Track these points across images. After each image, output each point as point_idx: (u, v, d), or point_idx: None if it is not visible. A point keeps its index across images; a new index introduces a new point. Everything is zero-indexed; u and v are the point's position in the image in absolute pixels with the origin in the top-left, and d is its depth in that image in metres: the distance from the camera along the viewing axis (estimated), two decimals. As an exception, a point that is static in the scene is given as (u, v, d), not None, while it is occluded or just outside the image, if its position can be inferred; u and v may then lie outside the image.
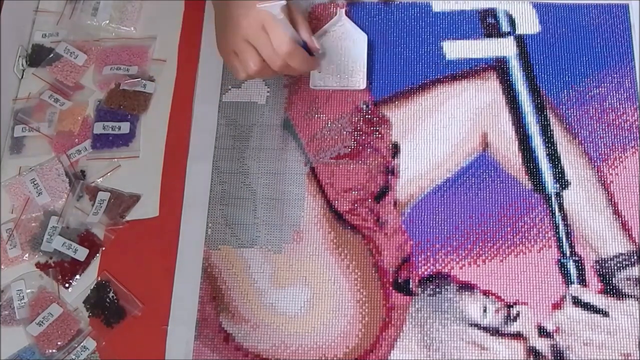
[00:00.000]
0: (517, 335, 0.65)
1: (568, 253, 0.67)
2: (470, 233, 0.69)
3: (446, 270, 0.68)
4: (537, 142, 0.71)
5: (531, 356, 0.64)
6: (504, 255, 0.68)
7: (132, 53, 0.79)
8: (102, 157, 0.75)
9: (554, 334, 0.65)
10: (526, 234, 0.68)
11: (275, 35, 0.65)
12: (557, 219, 0.68)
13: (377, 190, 0.71)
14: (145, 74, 0.78)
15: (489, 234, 0.69)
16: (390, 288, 0.67)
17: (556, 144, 0.71)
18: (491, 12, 0.77)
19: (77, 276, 0.71)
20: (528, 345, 0.65)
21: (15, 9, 0.79)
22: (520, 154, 0.71)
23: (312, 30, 0.71)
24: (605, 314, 0.65)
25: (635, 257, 0.66)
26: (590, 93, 0.73)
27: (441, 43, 0.76)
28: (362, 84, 0.74)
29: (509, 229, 0.69)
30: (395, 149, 0.73)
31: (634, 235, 0.67)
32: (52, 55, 0.79)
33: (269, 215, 0.71)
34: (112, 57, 0.79)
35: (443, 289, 0.67)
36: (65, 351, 0.67)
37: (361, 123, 0.74)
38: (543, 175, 0.70)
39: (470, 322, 0.66)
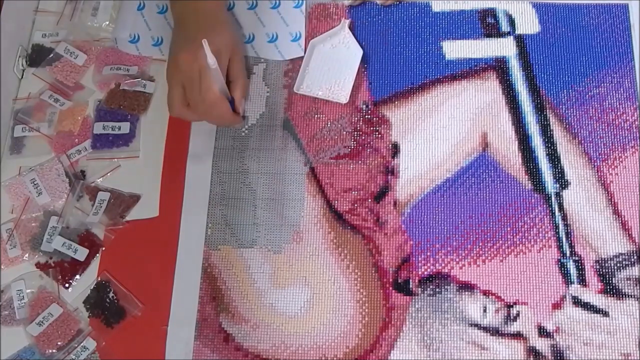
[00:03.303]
0: (517, 335, 0.65)
1: (568, 253, 0.67)
2: (470, 233, 0.69)
3: (446, 270, 0.68)
4: (537, 142, 0.71)
5: (531, 356, 0.64)
6: (504, 255, 0.68)
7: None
8: (102, 157, 0.75)
9: (554, 334, 0.65)
10: (526, 234, 0.68)
11: (204, 83, 0.66)
12: (557, 219, 0.68)
13: (377, 190, 0.71)
14: (145, 74, 0.78)
15: (489, 234, 0.69)
16: (390, 288, 0.67)
17: (556, 144, 0.71)
18: (491, 12, 0.77)
19: (77, 276, 0.71)
20: (528, 345, 0.65)
21: (15, 9, 0.79)
22: (520, 154, 0.71)
23: (310, 34, 0.71)
24: (605, 314, 0.65)
25: (635, 257, 0.66)
26: (590, 93, 0.73)
27: (441, 43, 0.76)
28: (345, 98, 0.74)
29: (509, 229, 0.69)
30: (395, 149, 0.73)
31: (634, 235, 0.67)
32: (52, 55, 0.79)
33: (269, 216, 0.71)
34: (112, 57, 0.79)
35: (443, 289, 0.67)
36: (65, 351, 0.67)
37: (361, 123, 0.74)
38: (543, 175, 0.70)
39: (470, 322, 0.66)
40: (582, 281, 0.66)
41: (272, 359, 0.66)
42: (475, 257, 0.68)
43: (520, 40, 0.76)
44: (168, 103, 0.69)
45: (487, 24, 0.77)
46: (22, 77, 0.80)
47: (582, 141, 0.71)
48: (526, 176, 0.70)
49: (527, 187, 0.70)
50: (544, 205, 0.69)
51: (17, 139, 0.77)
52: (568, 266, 0.67)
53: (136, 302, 0.69)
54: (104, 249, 0.71)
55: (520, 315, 0.65)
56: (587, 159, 0.71)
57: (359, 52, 0.75)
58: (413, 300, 0.67)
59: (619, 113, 0.72)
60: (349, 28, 0.77)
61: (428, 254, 0.68)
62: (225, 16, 0.74)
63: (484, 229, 0.69)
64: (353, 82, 0.74)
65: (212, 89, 0.66)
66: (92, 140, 0.75)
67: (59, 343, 0.68)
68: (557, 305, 0.66)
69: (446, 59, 0.76)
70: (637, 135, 0.71)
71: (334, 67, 0.75)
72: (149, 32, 0.80)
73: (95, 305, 0.69)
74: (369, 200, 0.71)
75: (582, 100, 0.73)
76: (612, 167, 0.70)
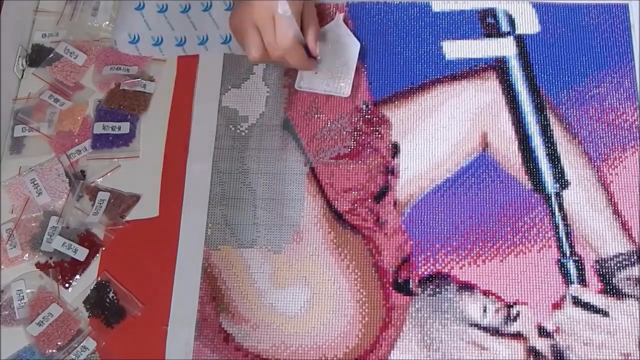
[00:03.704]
0: (517, 335, 0.65)
1: (568, 253, 0.67)
2: (470, 233, 0.69)
3: (446, 270, 0.68)
4: (537, 142, 0.71)
5: (531, 356, 0.64)
6: (504, 255, 0.68)
7: (132, 53, 0.79)
8: (102, 157, 0.75)
9: (554, 334, 0.65)
10: (526, 234, 0.68)
11: (280, 27, 0.67)
12: (557, 219, 0.68)
13: (377, 190, 0.71)
14: (145, 74, 0.78)
15: (489, 234, 0.69)
16: (390, 288, 0.67)
17: (556, 144, 0.71)
18: (491, 12, 0.77)
19: (77, 276, 0.71)
20: (528, 345, 0.65)
21: (15, 9, 0.79)
22: (520, 154, 0.71)
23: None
24: (605, 314, 0.65)
25: (635, 257, 0.66)
26: (590, 93, 0.73)
27: (441, 43, 0.76)
28: (347, 91, 0.74)
29: (509, 229, 0.69)
30: (395, 149, 0.73)
31: (634, 235, 0.67)
32: (52, 55, 0.79)
33: (269, 216, 0.71)
34: (112, 57, 0.79)
35: (443, 289, 0.67)
36: (65, 351, 0.67)
37: (361, 123, 0.74)
38: (543, 175, 0.70)
39: (470, 322, 0.66)
40: (582, 281, 0.66)
41: (272, 359, 0.66)
42: (475, 257, 0.68)
43: (520, 40, 0.76)
44: (246, 49, 0.70)
45: (487, 24, 0.77)
46: (22, 77, 0.80)
47: (582, 141, 0.71)
48: (526, 176, 0.70)
49: (527, 187, 0.70)
50: (544, 205, 0.69)
51: (17, 139, 0.77)
52: (568, 266, 0.67)
53: (136, 302, 0.69)
54: (104, 249, 0.71)
55: (520, 315, 0.65)
56: (587, 159, 0.71)
57: (356, 45, 0.75)
58: (413, 300, 0.67)
59: (619, 113, 0.72)
60: (344, 22, 0.77)
61: (428, 254, 0.68)
62: None
63: (484, 229, 0.69)
64: (353, 75, 0.74)
65: (287, 35, 0.67)
66: (92, 140, 0.75)
67: (59, 343, 0.68)
68: (557, 305, 0.66)
69: (446, 59, 0.76)
70: (637, 135, 0.71)
71: (332, 62, 0.75)
72: (148, 32, 0.80)
73: (95, 305, 0.69)
74: (369, 200, 0.71)
75: (582, 100, 0.73)
76: (612, 167, 0.70)
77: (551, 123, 0.72)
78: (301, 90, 0.75)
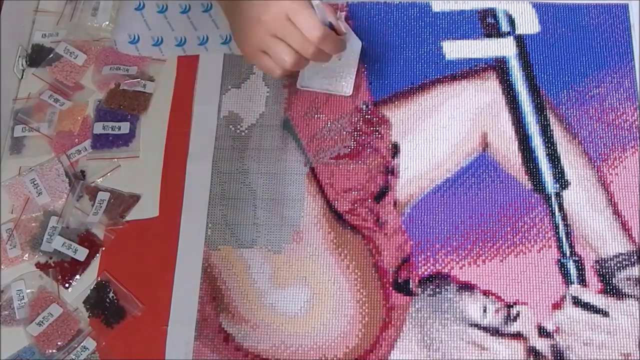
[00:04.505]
0: (517, 335, 0.65)
1: (568, 253, 0.67)
2: (470, 233, 0.69)
3: (446, 271, 0.68)
4: (537, 142, 0.71)
5: (531, 356, 0.64)
6: (504, 255, 0.68)
7: (132, 53, 0.79)
8: (102, 157, 0.75)
9: (554, 334, 0.65)
10: (526, 234, 0.68)
11: (304, 22, 0.62)
12: (557, 219, 0.68)
13: (377, 190, 0.71)
14: (145, 74, 0.78)
15: (489, 234, 0.69)
16: (390, 288, 0.67)
17: (556, 144, 0.71)
18: (491, 12, 0.77)
19: (77, 276, 0.71)
20: (528, 345, 0.65)
21: (15, 9, 0.79)
22: (520, 154, 0.71)
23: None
24: (605, 314, 0.65)
25: (635, 257, 0.66)
26: (590, 93, 0.73)
27: (441, 43, 0.76)
28: (349, 90, 0.74)
29: (509, 229, 0.69)
30: (395, 149, 0.73)
31: (634, 235, 0.67)
32: (52, 55, 0.79)
33: (269, 216, 0.71)
34: (112, 57, 0.79)
35: (443, 289, 0.67)
36: (65, 351, 0.67)
37: (361, 123, 0.74)
38: (543, 175, 0.70)
39: (470, 322, 0.66)
40: (582, 281, 0.66)
41: (272, 359, 0.66)
42: (475, 257, 0.68)
43: (520, 40, 0.76)
44: (278, 62, 0.64)
45: (487, 24, 0.77)
46: (22, 77, 0.80)
47: (582, 141, 0.71)
48: (526, 176, 0.70)
49: (527, 187, 0.70)
50: (544, 206, 0.69)
51: (17, 139, 0.77)
52: (568, 266, 0.67)
53: (136, 302, 0.69)
54: (104, 249, 0.71)
55: (520, 315, 0.65)
56: (587, 159, 0.71)
57: (357, 44, 0.75)
58: (413, 301, 0.67)
59: (619, 113, 0.72)
60: (345, 21, 0.77)
61: (428, 254, 0.68)
62: None
63: (484, 229, 0.69)
64: (355, 74, 0.74)
65: (316, 24, 0.62)
66: (92, 140, 0.75)
67: (59, 343, 0.68)
68: (557, 305, 0.66)
69: (446, 59, 0.76)
70: (637, 135, 0.71)
71: (334, 61, 0.74)
72: (148, 32, 0.80)
73: (95, 305, 0.69)
74: (369, 200, 0.71)
75: (582, 100, 0.73)
76: (612, 167, 0.70)
77: (551, 123, 0.72)
78: (303, 89, 0.75)
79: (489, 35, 0.76)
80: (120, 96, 0.77)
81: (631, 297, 0.65)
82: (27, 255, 0.72)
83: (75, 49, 0.79)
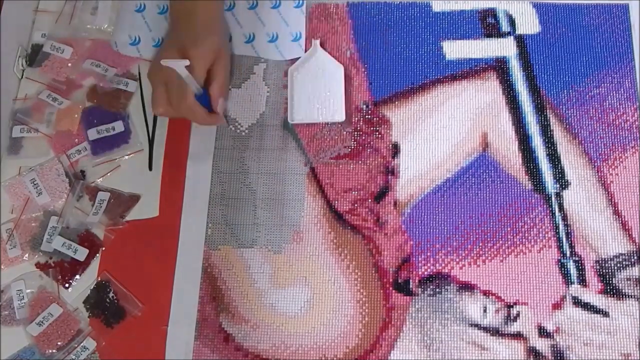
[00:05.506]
0: (517, 336, 0.65)
1: (568, 253, 0.67)
2: (470, 233, 0.69)
3: (446, 271, 0.68)
4: (537, 142, 0.71)
5: (531, 356, 0.64)
6: (504, 255, 0.68)
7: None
8: (109, 159, 0.75)
9: (554, 334, 0.65)
10: (526, 234, 0.68)
11: (180, 89, 0.67)
12: (557, 219, 0.68)
13: (377, 190, 0.71)
14: (126, 74, 0.78)
15: (489, 234, 0.69)
16: (390, 288, 0.67)
17: (556, 144, 0.71)
18: (491, 12, 0.77)
19: (77, 276, 0.71)
20: (528, 345, 0.65)
21: (15, 9, 0.79)
22: (520, 154, 0.71)
23: (310, 33, 0.70)
24: (605, 314, 0.65)
25: (635, 257, 0.66)
26: (590, 93, 0.73)
27: (441, 43, 0.76)
28: (341, 116, 0.73)
29: (509, 229, 0.69)
30: (395, 149, 0.73)
31: (634, 235, 0.67)
32: (39, 55, 0.79)
33: (269, 216, 0.71)
34: (99, 52, 0.79)
35: (443, 289, 0.67)
36: (65, 351, 0.67)
37: (361, 123, 0.74)
38: (543, 175, 0.70)
39: (470, 322, 0.66)
40: (582, 281, 0.66)
41: (272, 359, 0.66)
42: (475, 257, 0.68)
43: (520, 40, 0.76)
44: (152, 102, 0.70)
45: (488, 24, 0.77)
46: (22, 77, 0.80)
47: (582, 141, 0.71)
48: (526, 176, 0.70)
49: (527, 187, 0.70)
50: (544, 206, 0.69)
51: (16, 140, 0.77)
52: (568, 266, 0.67)
53: (136, 302, 0.69)
54: (104, 249, 0.71)
55: (520, 315, 0.65)
56: (587, 159, 0.71)
57: (339, 69, 0.75)
58: (413, 301, 0.67)
59: (619, 113, 0.72)
60: (321, 47, 0.76)
61: (428, 254, 0.68)
62: (218, 21, 0.74)
63: (484, 229, 0.69)
64: (343, 98, 0.74)
65: (187, 96, 0.67)
66: (92, 147, 0.75)
67: (59, 343, 0.68)
68: (557, 306, 0.66)
69: (446, 59, 0.76)
70: (637, 135, 0.71)
71: (319, 89, 0.74)
72: (149, 34, 0.80)
73: (95, 305, 0.69)
74: (369, 200, 0.71)
75: (582, 100, 0.73)
76: (612, 167, 0.70)
77: (551, 123, 0.72)
78: (295, 122, 0.74)
79: (489, 35, 0.76)
80: (99, 93, 0.77)
81: (631, 297, 0.65)
82: (27, 255, 0.72)
83: (61, 44, 0.79)
